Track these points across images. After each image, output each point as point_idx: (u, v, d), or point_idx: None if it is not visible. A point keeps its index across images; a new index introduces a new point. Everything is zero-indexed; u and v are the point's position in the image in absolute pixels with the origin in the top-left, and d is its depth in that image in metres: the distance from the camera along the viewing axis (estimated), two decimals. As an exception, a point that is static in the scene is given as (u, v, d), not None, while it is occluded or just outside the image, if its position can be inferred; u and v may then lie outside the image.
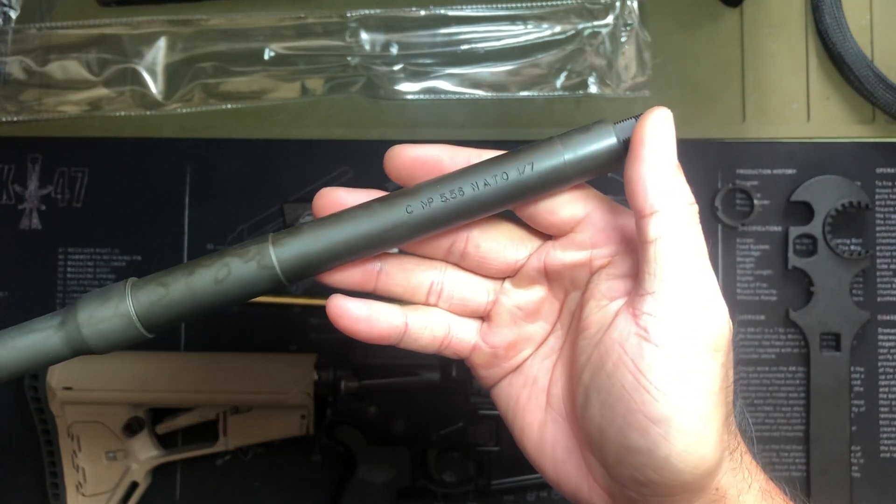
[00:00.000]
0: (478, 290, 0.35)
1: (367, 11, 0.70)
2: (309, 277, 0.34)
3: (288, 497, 0.67)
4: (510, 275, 0.35)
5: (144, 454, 0.64)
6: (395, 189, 0.34)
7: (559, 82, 0.69)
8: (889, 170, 0.68)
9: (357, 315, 0.33)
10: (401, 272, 0.34)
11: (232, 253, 0.33)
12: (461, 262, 0.35)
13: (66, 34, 0.70)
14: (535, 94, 0.69)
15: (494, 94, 0.69)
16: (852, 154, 0.68)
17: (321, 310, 0.68)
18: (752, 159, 0.68)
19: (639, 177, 0.30)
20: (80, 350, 0.33)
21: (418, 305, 0.35)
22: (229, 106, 0.69)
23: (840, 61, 0.68)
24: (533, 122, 0.69)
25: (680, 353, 0.30)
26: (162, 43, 0.69)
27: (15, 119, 0.69)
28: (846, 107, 0.69)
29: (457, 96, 0.69)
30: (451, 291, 0.35)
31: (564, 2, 0.70)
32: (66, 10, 0.70)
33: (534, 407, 0.36)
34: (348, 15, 0.70)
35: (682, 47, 0.70)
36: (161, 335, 0.36)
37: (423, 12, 0.70)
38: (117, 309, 0.32)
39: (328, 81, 0.69)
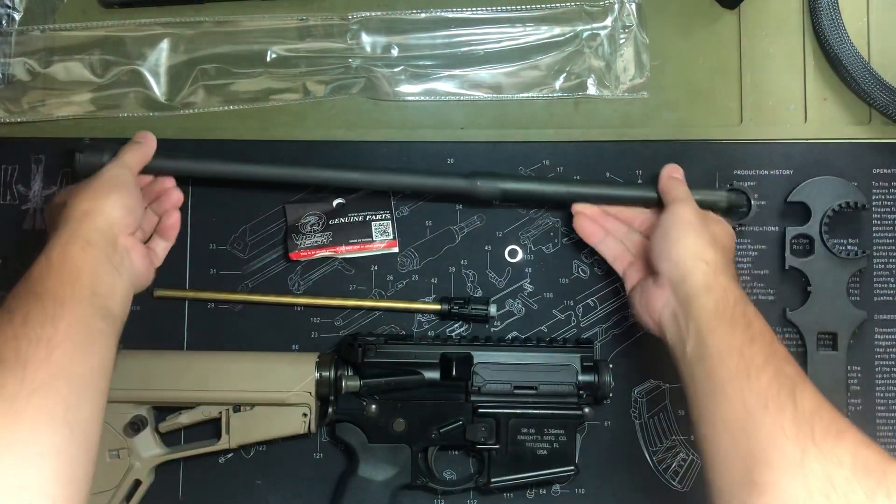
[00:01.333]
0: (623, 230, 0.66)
1: (368, 14, 0.70)
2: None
3: (289, 494, 0.67)
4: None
5: (147, 452, 0.64)
6: None
7: (558, 84, 0.70)
8: (885, 170, 0.69)
9: (592, 224, 0.66)
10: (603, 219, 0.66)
11: None
12: (618, 216, 0.66)
13: (69, 36, 0.70)
14: (535, 95, 0.70)
15: (494, 95, 0.70)
16: (849, 155, 0.69)
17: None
18: (750, 160, 0.69)
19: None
20: None
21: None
22: (232, 107, 0.70)
23: (837, 63, 0.68)
24: (532, 123, 0.70)
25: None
26: (165, 45, 0.70)
27: (19, 120, 0.69)
28: (843, 108, 0.70)
29: (457, 98, 0.70)
30: (615, 228, 0.66)
31: (563, 4, 0.70)
32: (68, 12, 0.71)
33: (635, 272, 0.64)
34: (349, 17, 0.70)
35: (680, 49, 0.70)
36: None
37: (423, 15, 0.70)
38: None
39: (329, 83, 0.70)
